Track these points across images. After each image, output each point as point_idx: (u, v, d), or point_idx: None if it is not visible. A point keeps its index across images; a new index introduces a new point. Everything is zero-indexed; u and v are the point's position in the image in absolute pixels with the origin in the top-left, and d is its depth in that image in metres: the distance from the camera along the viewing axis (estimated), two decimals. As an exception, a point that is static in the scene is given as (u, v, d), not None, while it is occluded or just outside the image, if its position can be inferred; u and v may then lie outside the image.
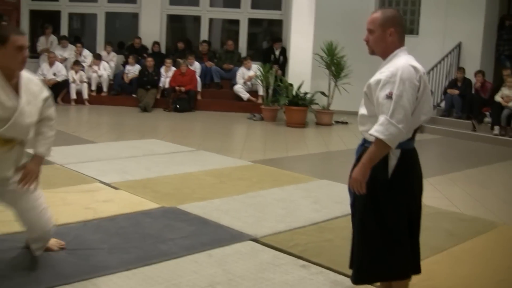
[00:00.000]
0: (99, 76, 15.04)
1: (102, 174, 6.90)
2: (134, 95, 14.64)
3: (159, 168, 7.44)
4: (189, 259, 4.40)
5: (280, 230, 5.19)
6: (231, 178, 7.11)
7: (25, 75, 3.93)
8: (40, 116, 4.02)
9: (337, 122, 13.36)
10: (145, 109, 13.82)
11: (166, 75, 14.77)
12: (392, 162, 3.41)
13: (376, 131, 3.27)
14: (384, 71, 3.36)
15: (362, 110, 3.50)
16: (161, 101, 14.54)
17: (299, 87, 12.66)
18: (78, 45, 15.63)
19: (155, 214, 5.44)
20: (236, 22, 16.63)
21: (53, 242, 4.41)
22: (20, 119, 3.82)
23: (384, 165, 3.40)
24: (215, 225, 5.20)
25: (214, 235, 4.95)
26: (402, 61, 3.35)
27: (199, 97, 14.73)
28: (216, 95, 15.12)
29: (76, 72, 14.80)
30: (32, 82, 3.98)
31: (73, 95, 14.70)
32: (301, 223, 5.44)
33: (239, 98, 14.76)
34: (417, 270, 3.67)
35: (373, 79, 3.39)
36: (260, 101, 14.36)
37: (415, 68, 3.33)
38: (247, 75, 14.69)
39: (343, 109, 13.90)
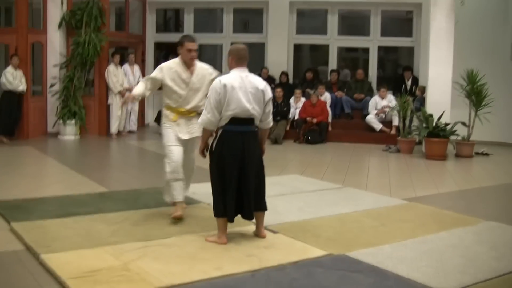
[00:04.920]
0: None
1: (254, 215, 6.54)
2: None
3: (311, 209, 7.02)
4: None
5: (467, 283, 4.64)
6: (391, 220, 6.60)
7: (199, 64, 6.40)
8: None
9: (477, 153, 12.57)
10: (275, 141, 13.49)
11: (296, 106, 14.44)
12: (217, 136, 5.47)
13: (199, 118, 5.60)
14: None
15: None
16: (290, 132, 14.23)
17: (439, 118, 11.99)
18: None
19: (325, 263, 4.99)
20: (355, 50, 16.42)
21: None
22: (192, 90, 6.30)
23: (214, 138, 5.50)
24: (394, 277, 4.70)
25: (396, 288, 4.47)
26: (222, 76, 5.52)
27: (329, 128, 14.28)
28: (347, 126, 14.66)
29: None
30: (202, 69, 6.42)
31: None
32: (486, 274, 4.87)
33: (371, 129, 14.25)
34: (249, 217, 5.61)
35: None
36: (393, 132, 13.78)
37: (221, 81, 5.38)
38: (381, 105, 14.13)
39: (483, 140, 13.14)
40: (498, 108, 12.99)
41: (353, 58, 17.50)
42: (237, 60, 5.50)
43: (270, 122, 5.75)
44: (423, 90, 13.75)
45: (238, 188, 5.42)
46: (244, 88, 5.40)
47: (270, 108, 5.66)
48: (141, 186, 8.26)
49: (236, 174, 5.37)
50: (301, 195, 7.82)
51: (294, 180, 8.91)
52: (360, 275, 4.71)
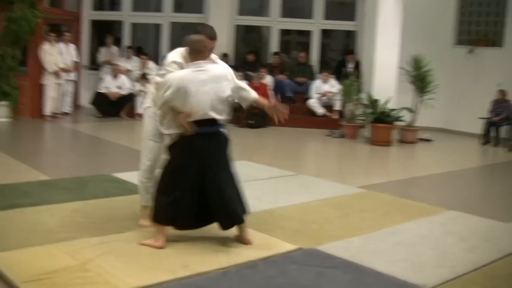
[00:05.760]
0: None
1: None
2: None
3: (269, 198, 6.71)
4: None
5: (446, 277, 4.49)
6: (354, 210, 6.37)
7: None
8: None
9: (420, 139, 12.52)
10: (217, 125, 13.07)
11: (237, 89, 14.04)
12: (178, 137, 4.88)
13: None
14: None
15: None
16: (231, 116, 13.82)
17: (385, 103, 11.84)
18: (144, 57, 14.92)
19: (297, 259, 4.69)
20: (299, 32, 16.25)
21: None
22: None
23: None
24: (373, 273, 4.47)
25: (378, 285, 4.28)
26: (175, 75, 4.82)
27: (271, 112, 13.95)
28: (289, 110, 14.16)
29: (144, 85, 14.15)
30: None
31: (139, 109, 13.97)
32: (463, 268, 4.72)
33: (313, 113, 14.00)
34: (226, 227, 4.95)
35: None
36: (336, 116, 13.60)
37: (174, 82, 4.73)
38: (323, 89, 13.90)
39: (426, 125, 13.10)
40: (440, 93, 12.96)
41: (293, 42, 17.22)
42: (194, 54, 4.84)
43: (251, 92, 5.37)
44: (359, 74, 13.66)
45: (201, 197, 4.80)
46: (202, 87, 4.70)
47: (241, 84, 5.30)
48: (85, 173, 7.75)
49: (194, 180, 4.76)
50: (256, 183, 7.48)
51: (244, 166, 8.48)
52: (337, 271, 4.44)
